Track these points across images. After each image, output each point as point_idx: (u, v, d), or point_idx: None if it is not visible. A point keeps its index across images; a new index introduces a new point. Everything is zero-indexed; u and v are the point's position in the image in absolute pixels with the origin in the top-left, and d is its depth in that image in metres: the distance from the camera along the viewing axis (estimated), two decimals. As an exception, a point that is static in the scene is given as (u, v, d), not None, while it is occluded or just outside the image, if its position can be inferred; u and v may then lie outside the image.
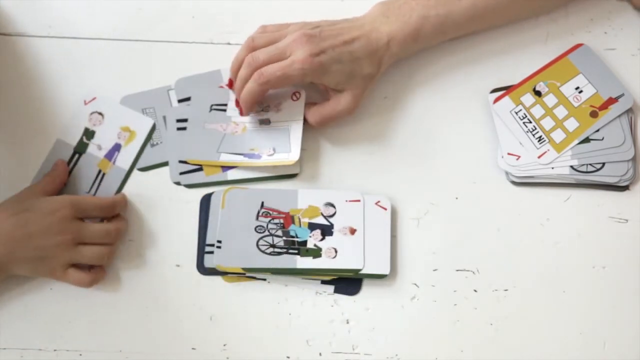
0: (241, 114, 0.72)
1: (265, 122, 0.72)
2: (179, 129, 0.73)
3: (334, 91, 0.71)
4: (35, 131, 0.73)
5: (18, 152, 0.73)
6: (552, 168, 0.72)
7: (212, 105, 0.73)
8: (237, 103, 0.72)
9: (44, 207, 0.66)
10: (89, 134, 0.70)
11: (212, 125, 0.72)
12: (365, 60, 0.69)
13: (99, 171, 0.70)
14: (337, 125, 0.74)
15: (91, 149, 0.70)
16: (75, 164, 0.71)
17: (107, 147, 0.70)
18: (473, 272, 0.70)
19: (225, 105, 0.73)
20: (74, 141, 0.71)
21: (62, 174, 0.70)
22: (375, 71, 0.71)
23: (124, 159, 0.71)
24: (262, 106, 0.73)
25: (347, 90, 0.70)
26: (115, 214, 0.70)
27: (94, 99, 0.72)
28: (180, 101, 0.74)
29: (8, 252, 0.64)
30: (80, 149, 0.70)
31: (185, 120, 0.74)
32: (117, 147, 0.70)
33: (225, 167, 0.72)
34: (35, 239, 0.64)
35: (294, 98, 0.73)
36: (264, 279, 0.69)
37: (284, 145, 0.71)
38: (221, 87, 0.74)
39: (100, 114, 0.71)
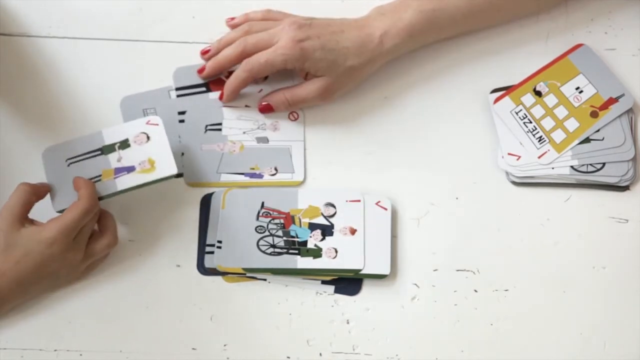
0: (220, 98, 0.73)
1: (263, 141, 0.72)
2: (180, 121, 0.73)
3: (312, 77, 0.71)
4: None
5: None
6: (553, 168, 0.72)
7: (207, 126, 0.73)
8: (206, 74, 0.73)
9: (41, 242, 0.62)
10: (124, 144, 0.70)
11: (209, 146, 0.72)
12: (352, 50, 0.70)
13: (98, 176, 0.69)
14: (337, 125, 0.74)
15: (112, 156, 0.69)
16: (92, 157, 0.69)
17: (124, 163, 0.69)
18: (473, 272, 0.70)
19: (220, 124, 0.73)
20: (109, 140, 0.69)
21: (39, 194, 0.66)
22: (361, 64, 0.70)
23: (125, 182, 0.68)
24: (259, 124, 0.73)
25: (325, 76, 0.70)
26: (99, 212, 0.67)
27: (156, 124, 0.69)
28: (177, 89, 0.74)
29: (22, 293, 0.64)
30: (107, 150, 0.70)
31: (184, 113, 0.74)
32: (130, 169, 0.68)
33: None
34: (45, 271, 0.63)
35: (292, 118, 0.73)
36: (264, 279, 0.69)
37: (287, 166, 0.72)
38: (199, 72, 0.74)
39: (148, 137, 0.70)
